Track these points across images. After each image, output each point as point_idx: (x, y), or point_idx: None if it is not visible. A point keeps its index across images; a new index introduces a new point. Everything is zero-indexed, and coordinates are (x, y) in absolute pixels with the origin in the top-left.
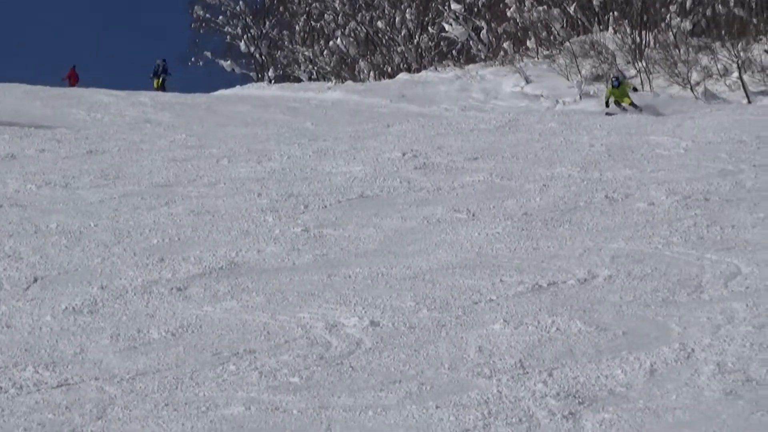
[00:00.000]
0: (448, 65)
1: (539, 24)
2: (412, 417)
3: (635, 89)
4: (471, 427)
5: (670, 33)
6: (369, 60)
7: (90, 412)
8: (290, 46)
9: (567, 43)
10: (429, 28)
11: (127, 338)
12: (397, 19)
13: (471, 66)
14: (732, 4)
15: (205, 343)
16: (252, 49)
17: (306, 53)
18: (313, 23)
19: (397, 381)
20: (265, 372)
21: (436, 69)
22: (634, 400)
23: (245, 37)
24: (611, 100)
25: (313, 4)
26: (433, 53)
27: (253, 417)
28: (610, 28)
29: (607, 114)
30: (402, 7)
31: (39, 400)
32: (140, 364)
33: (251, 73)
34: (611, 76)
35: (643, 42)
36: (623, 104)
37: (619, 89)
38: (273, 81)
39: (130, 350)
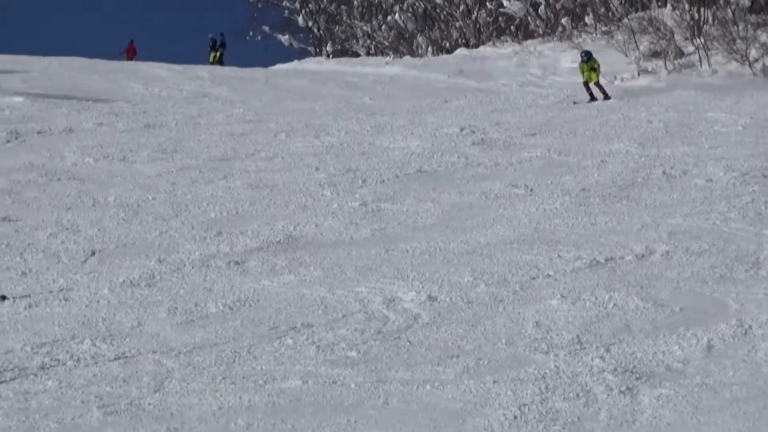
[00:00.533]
0: (506, 41)
1: (597, 0)
2: (469, 391)
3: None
4: (528, 401)
5: (729, 9)
6: (427, 35)
7: (147, 385)
8: (348, 21)
9: (625, 19)
10: (487, 3)
11: (184, 312)
12: None
13: (529, 41)
14: None
15: (262, 317)
16: (310, 23)
17: (364, 28)
18: None
19: (455, 356)
20: (322, 346)
21: (494, 44)
22: (691, 376)
23: (303, 11)
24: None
25: None
26: (491, 29)
27: (311, 390)
28: (669, 5)
29: (574, 102)
30: None
31: (96, 373)
32: (197, 337)
33: (309, 48)
34: (581, 51)
35: (702, 18)
36: (591, 85)
37: (588, 64)
38: (331, 55)
39: (187, 324)
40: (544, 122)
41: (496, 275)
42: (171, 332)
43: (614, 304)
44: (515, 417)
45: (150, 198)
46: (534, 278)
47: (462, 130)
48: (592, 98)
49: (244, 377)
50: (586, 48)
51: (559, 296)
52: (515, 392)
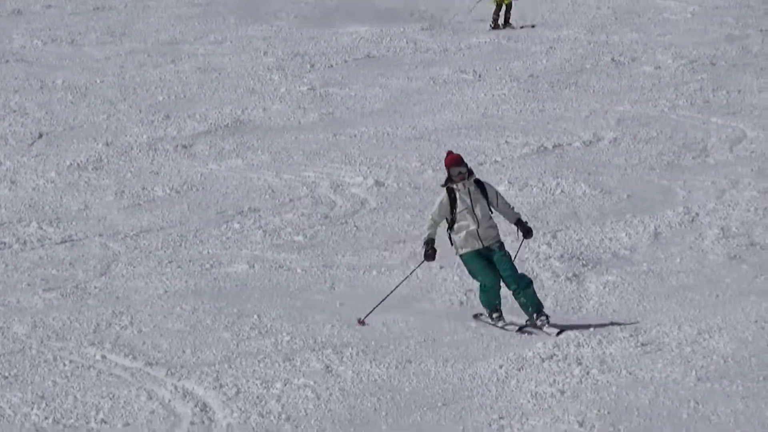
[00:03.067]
0: None
1: None
2: (416, 276)
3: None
4: (473, 287)
5: None
6: None
7: (94, 269)
8: None
9: None
10: None
11: (131, 195)
12: None
13: None
14: None
15: (209, 201)
16: None
17: None
18: None
19: (402, 241)
20: (269, 230)
21: None
22: (638, 263)
23: None
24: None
25: None
26: None
27: (257, 275)
28: None
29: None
30: None
31: (43, 256)
32: (144, 221)
33: None
34: None
35: None
36: (498, 17)
37: None
38: None
39: (134, 207)
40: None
41: (443, 160)
42: (118, 216)
43: (561, 191)
44: (461, 302)
45: (98, 81)
46: (482, 164)
47: (411, 15)
48: (496, 25)
49: (190, 261)
50: None
51: (506, 182)
52: (461, 277)
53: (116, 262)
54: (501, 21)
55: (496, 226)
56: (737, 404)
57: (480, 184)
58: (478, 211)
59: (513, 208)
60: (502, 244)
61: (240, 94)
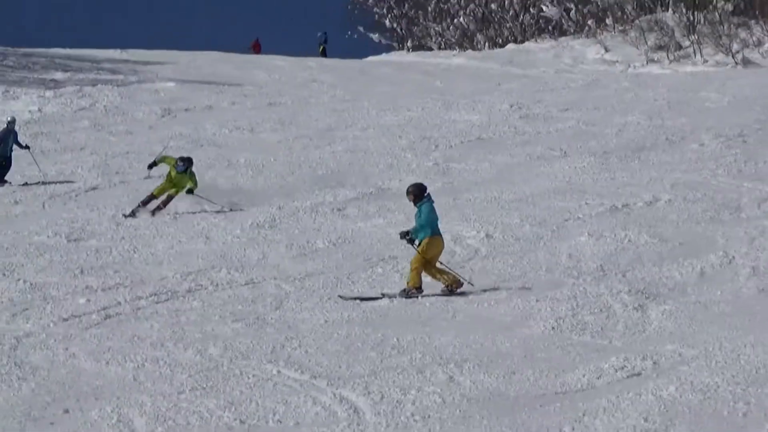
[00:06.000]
0: (545, 38)
1: (615, 5)
2: (517, 308)
3: (191, 190)
4: (563, 315)
5: (716, 13)
6: (484, 33)
7: (270, 304)
8: (424, 23)
9: (637, 21)
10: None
11: (298, 247)
12: (506, 1)
13: (563, 38)
14: None
15: (358, 251)
16: (395, 24)
17: (436, 28)
18: (441, 5)
19: (506, 280)
20: (404, 273)
21: (536, 41)
22: (688, 296)
23: (389, 15)
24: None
25: None
26: (534, 28)
27: (396, 308)
28: (670, 9)
29: (126, 215)
30: None
31: (231, 295)
32: (309, 267)
33: (394, 43)
34: (178, 160)
35: (695, 19)
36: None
37: (180, 177)
38: (410, 50)
39: (301, 256)
40: (574, 100)
41: (538, 218)
42: (288, 263)
43: (629, 240)
44: (552, 328)
45: (272, 159)
46: (567, 220)
47: (511, 106)
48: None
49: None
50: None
51: (586, 234)
52: (552, 308)
53: (287, 299)
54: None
55: None
56: (766, 402)
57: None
58: None
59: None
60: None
61: (381, 169)
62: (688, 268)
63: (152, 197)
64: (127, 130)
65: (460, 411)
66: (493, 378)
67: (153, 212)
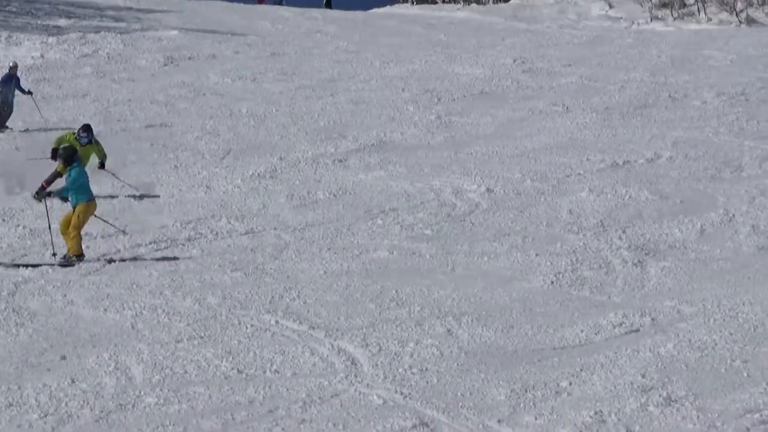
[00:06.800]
0: None
1: None
2: (517, 262)
3: (102, 164)
4: (562, 270)
5: None
6: None
7: (270, 254)
8: None
9: None
10: None
11: (299, 198)
12: None
13: None
14: None
15: (359, 203)
16: None
17: None
18: None
19: (506, 234)
20: (404, 225)
21: None
22: (688, 253)
23: None
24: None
25: None
26: None
27: (395, 259)
28: None
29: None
30: None
31: (231, 244)
32: (309, 217)
33: None
34: (79, 130)
35: None
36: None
37: (85, 150)
38: (415, 2)
39: (301, 207)
40: (578, 56)
41: (539, 173)
42: (288, 213)
43: (629, 197)
44: (552, 282)
45: (274, 110)
46: (568, 176)
47: (515, 61)
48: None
49: (344, 249)
50: None
51: (587, 190)
52: (552, 263)
53: (287, 249)
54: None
55: None
56: (764, 361)
57: None
58: None
59: None
60: None
61: (383, 121)
62: (688, 226)
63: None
64: (129, 77)
65: (457, 364)
66: (491, 332)
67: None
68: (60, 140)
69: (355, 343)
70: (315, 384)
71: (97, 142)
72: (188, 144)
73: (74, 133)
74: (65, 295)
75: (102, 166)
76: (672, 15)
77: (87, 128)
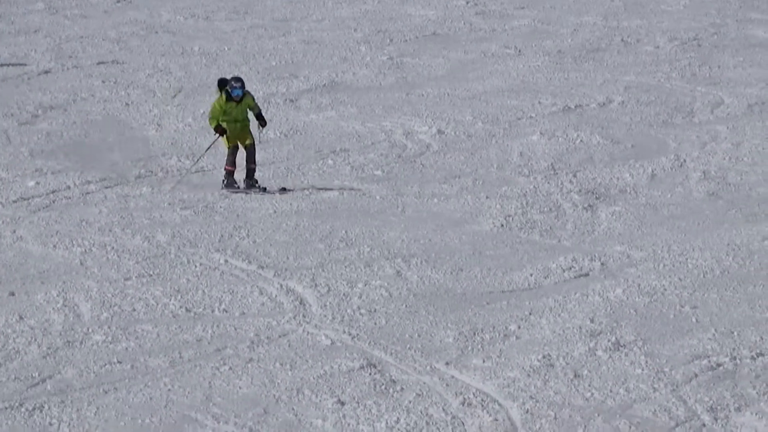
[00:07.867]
0: None
1: None
2: (467, 204)
3: (261, 117)
4: (512, 213)
5: None
6: None
7: (219, 193)
8: None
9: None
10: None
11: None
12: None
13: None
14: None
15: (309, 143)
16: None
17: None
18: None
19: (457, 176)
20: (355, 166)
21: None
22: (638, 197)
23: None
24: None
25: None
26: None
27: (345, 200)
28: None
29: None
30: None
31: (181, 182)
32: (259, 156)
33: None
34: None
35: None
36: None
37: (240, 106)
38: None
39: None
40: None
41: (491, 116)
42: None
43: (581, 140)
44: (502, 225)
45: (226, 49)
46: (519, 119)
47: (467, 2)
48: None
49: (294, 188)
50: None
51: (538, 133)
52: (502, 206)
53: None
54: (243, 180)
55: None
56: (712, 307)
57: None
58: None
59: None
60: None
61: (335, 62)
62: (639, 170)
63: None
64: (81, 13)
65: (406, 306)
66: (441, 274)
67: None
68: (213, 112)
69: (303, 284)
70: (263, 324)
71: (249, 93)
72: (140, 82)
73: (222, 95)
74: (14, 231)
75: (260, 118)
76: None
77: (239, 79)
